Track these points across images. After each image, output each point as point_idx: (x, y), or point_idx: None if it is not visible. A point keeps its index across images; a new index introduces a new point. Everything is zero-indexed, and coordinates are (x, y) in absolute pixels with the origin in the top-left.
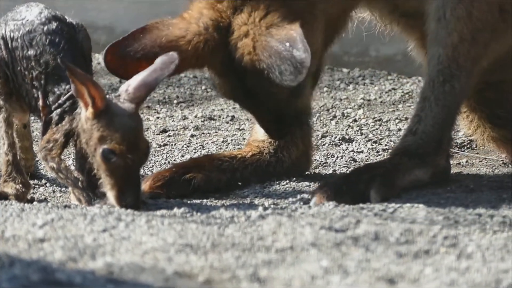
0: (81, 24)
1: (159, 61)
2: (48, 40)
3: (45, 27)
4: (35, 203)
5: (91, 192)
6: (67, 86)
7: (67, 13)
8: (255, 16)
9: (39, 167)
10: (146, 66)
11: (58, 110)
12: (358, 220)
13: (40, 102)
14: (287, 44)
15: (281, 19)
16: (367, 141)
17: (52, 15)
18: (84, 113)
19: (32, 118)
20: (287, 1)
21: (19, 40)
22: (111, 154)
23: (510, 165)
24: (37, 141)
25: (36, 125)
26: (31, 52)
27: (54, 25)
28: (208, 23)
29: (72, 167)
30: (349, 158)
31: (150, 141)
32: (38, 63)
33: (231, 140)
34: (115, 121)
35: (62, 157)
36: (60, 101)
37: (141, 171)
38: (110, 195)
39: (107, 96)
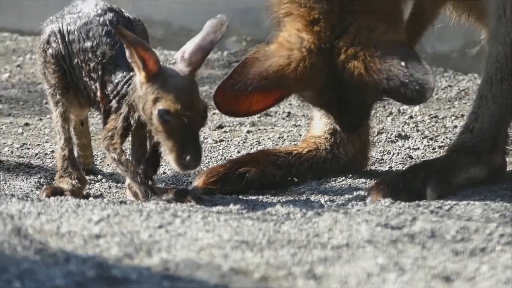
0: (138, 18)
1: (209, 24)
2: (104, 31)
3: (101, 18)
4: (91, 198)
5: (148, 187)
6: (124, 73)
7: (124, 8)
8: (360, 36)
9: (95, 163)
10: (258, 99)
11: (117, 98)
12: (414, 217)
13: (99, 93)
14: (403, 64)
15: (385, 34)
16: (423, 138)
17: (108, 7)
18: (139, 79)
19: (89, 113)
20: (384, 14)
21: (76, 32)
22: (166, 114)
23: None
24: (93, 136)
25: (92, 121)
26: (88, 44)
27: (110, 16)
28: (311, 47)
29: None
30: (405, 155)
31: (207, 103)
32: (94, 54)
33: (287, 136)
34: (169, 82)
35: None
36: (117, 89)
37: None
38: (170, 159)
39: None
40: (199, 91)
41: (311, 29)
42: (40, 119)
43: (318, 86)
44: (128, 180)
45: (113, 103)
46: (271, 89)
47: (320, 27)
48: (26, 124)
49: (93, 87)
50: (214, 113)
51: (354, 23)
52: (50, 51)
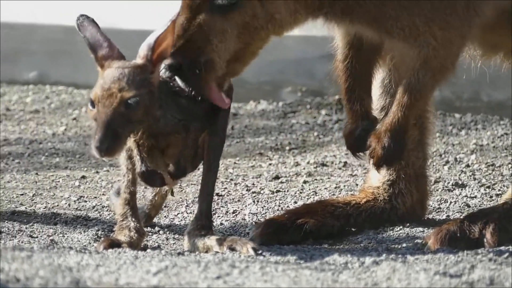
0: None
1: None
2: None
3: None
4: (148, 250)
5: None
6: None
7: None
8: None
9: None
10: None
11: None
12: (472, 265)
13: None
14: None
15: None
16: (480, 186)
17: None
18: None
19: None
20: None
21: None
22: (91, 102)
23: None
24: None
25: None
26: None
27: (169, 84)
28: None
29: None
30: (462, 203)
31: (137, 94)
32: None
33: (344, 186)
34: (105, 72)
35: None
36: None
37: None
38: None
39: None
40: (132, 81)
41: None
42: (97, 172)
43: None
44: (188, 228)
45: None
46: None
47: None
48: (83, 177)
49: None
50: (270, 164)
51: None
52: None
